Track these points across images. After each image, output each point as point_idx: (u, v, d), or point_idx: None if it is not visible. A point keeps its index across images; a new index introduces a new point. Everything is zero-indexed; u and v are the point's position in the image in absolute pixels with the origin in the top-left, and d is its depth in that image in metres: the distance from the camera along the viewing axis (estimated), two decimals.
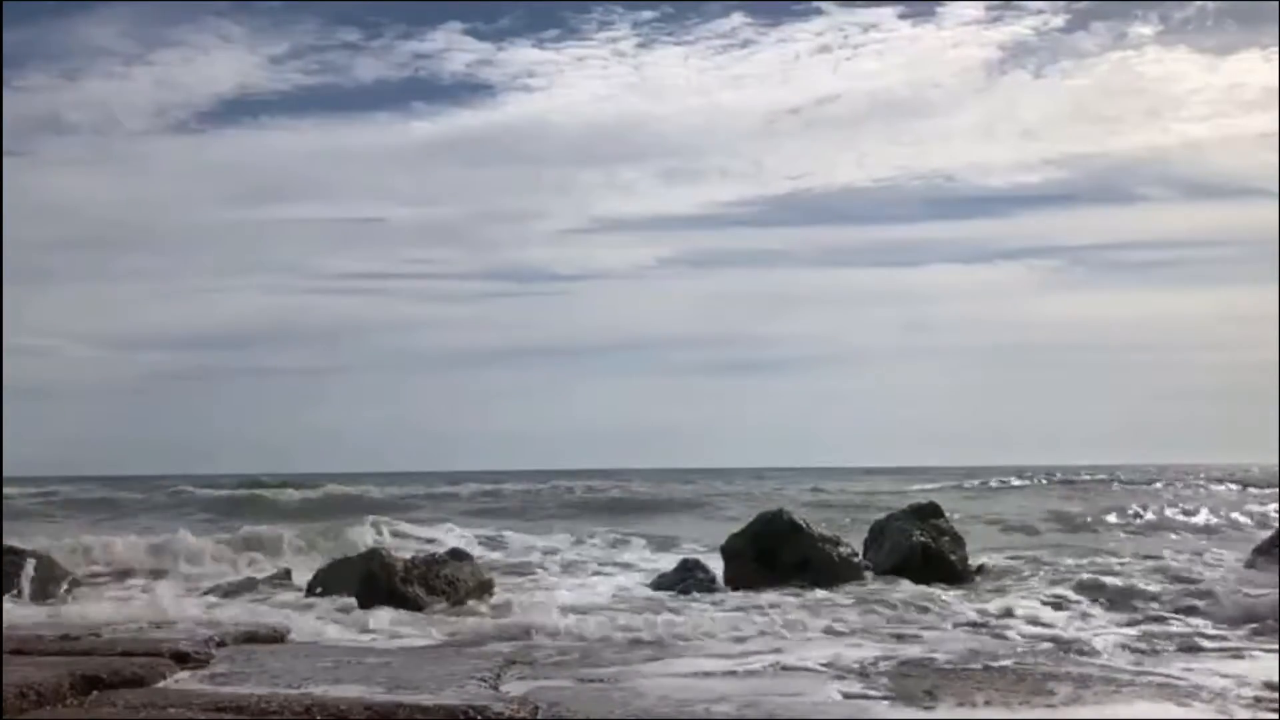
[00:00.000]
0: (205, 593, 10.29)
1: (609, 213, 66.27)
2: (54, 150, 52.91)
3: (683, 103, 54.43)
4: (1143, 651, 6.84)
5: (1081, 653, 6.79)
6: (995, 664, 6.32)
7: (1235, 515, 18.58)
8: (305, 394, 76.59)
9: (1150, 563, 11.20)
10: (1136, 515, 19.17)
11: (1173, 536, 16.47)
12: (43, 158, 51.32)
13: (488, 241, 64.53)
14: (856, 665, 6.28)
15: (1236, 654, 6.72)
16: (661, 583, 10.53)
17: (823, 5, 56.12)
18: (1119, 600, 8.88)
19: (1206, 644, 7.05)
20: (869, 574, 10.50)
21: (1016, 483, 32.99)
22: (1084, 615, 8.37)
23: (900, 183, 57.24)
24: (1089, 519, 18.91)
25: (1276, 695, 5.34)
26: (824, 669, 6.19)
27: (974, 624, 7.99)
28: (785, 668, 6.31)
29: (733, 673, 6.14)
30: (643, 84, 53.65)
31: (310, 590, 9.92)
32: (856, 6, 53.73)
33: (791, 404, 79.51)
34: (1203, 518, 18.64)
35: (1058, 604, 8.83)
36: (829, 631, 7.66)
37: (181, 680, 5.57)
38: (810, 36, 51.80)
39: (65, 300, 58.74)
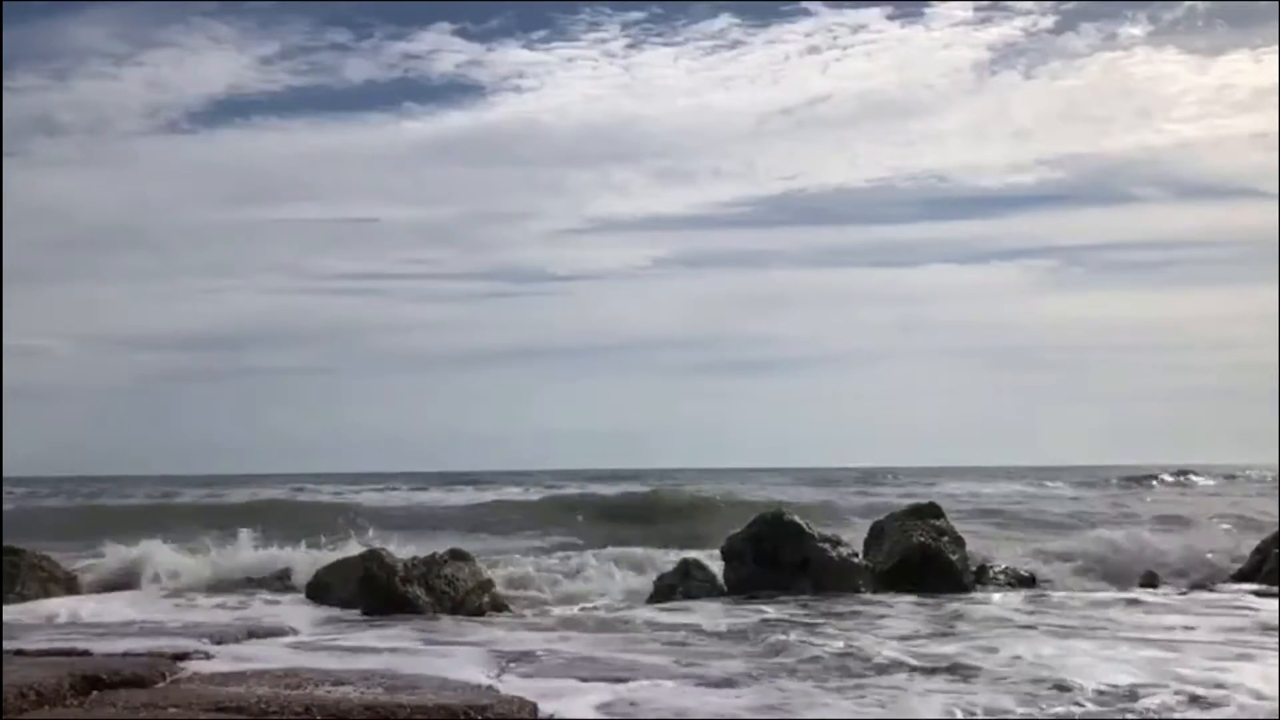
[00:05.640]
0: (207, 591, 10.30)
1: (603, 213, 66.20)
2: (46, 151, 52.82)
3: (673, 103, 54.53)
4: None
5: None
6: None
7: None
8: (301, 395, 76.51)
9: None
10: None
11: None
12: (34, 158, 51.28)
13: (482, 242, 64.50)
14: None
15: None
16: (661, 584, 10.53)
17: (810, 6, 56.22)
18: None
19: None
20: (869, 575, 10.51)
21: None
22: None
23: (893, 183, 57.29)
24: None
25: (1277, 695, 5.35)
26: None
27: None
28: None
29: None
30: (633, 84, 53.78)
31: (310, 590, 9.93)
32: (844, 7, 53.89)
33: (786, 404, 79.39)
34: None
35: None
36: None
37: (181, 680, 5.57)
38: (799, 37, 51.82)
39: (58, 301, 58.65)
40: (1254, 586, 10.15)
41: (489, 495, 27.14)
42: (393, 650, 7.00)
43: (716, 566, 10.82)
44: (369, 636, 7.66)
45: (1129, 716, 5.07)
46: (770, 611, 8.77)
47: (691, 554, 11.26)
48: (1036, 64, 55.75)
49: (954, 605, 9.03)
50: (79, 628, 7.69)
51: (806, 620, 8.30)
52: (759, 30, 57.65)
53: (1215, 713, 5.12)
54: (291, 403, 77.35)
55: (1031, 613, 8.61)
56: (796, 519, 10.92)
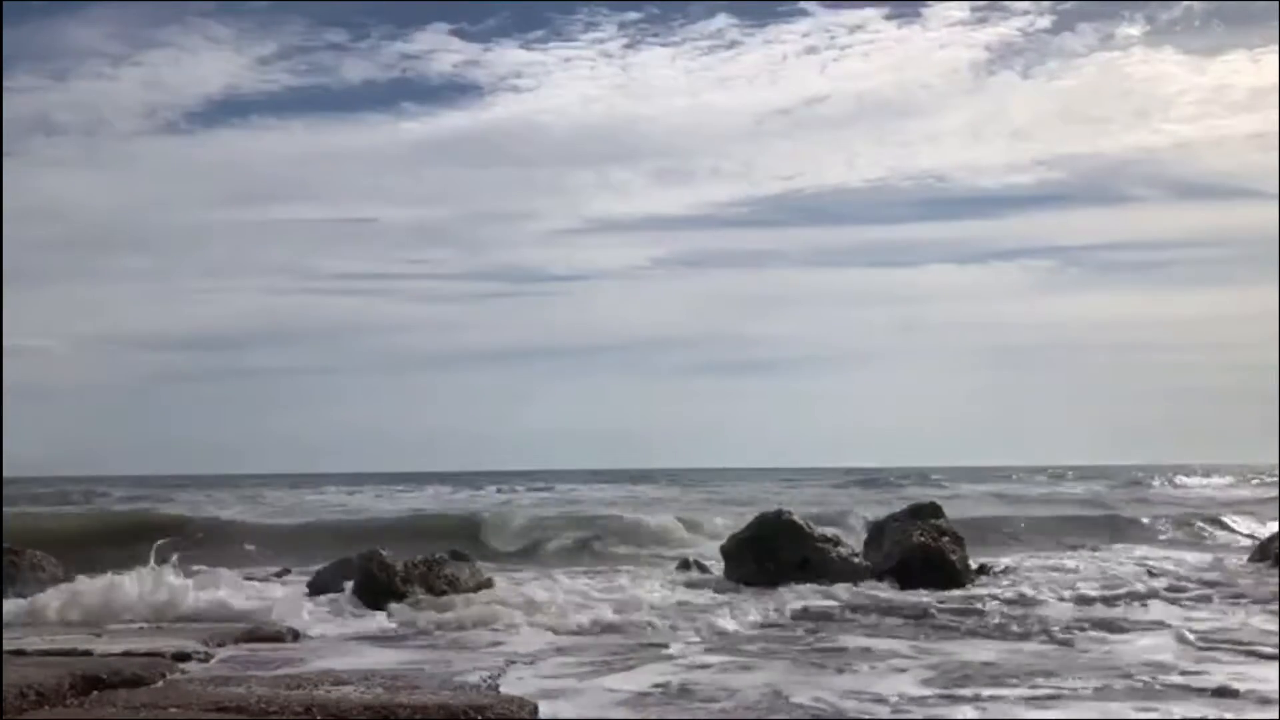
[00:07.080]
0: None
1: (601, 213, 66.12)
2: (44, 151, 52.67)
3: (671, 103, 54.34)
4: None
5: None
6: None
7: None
8: (299, 395, 76.50)
9: None
10: None
11: None
12: (33, 158, 51.13)
13: (480, 242, 64.34)
14: None
15: None
16: (658, 583, 10.52)
17: (808, 6, 56.21)
18: None
19: None
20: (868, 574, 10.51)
21: None
22: None
23: (891, 183, 57.14)
24: None
25: (1276, 696, 5.35)
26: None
27: None
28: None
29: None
30: (631, 85, 53.61)
31: (311, 590, 9.91)
32: (842, 8, 54.10)
33: (785, 405, 79.24)
34: None
35: None
36: None
37: (181, 680, 5.57)
38: (797, 38, 51.57)
39: (56, 301, 58.44)
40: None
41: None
42: (393, 650, 7.01)
43: (717, 567, 10.84)
44: (369, 636, 7.66)
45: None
46: (770, 611, 8.76)
47: (691, 554, 11.31)
48: (1034, 64, 55.78)
49: (952, 604, 9.03)
50: (79, 628, 7.68)
51: (806, 619, 8.31)
52: (756, 30, 57.81)
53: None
54: (290, 403, 77.25)
55: (1028, 613, 8.60)
56: (796, 519, 10.94)
